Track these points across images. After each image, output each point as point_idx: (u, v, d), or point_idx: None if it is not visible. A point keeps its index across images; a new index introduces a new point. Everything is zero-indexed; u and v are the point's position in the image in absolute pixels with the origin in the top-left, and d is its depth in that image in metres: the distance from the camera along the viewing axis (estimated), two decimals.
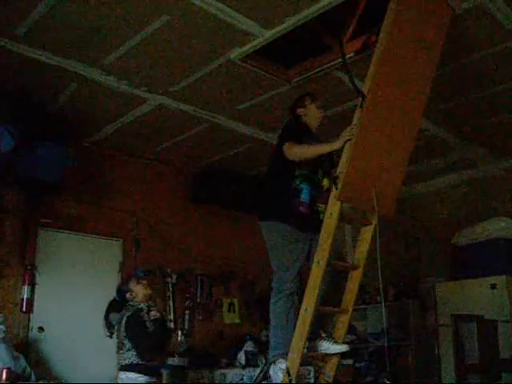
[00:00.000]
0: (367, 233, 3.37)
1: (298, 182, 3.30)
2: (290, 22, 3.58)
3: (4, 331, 4.35)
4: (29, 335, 4.84)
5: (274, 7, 3.43)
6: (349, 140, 3.07)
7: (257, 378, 4.96)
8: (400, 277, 6.50)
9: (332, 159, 3.43)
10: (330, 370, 3.30)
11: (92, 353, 4.98)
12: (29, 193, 4.99)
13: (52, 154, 4.73)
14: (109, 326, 3.75)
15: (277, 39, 3.75)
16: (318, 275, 3.04)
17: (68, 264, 5.23)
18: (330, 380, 3.28)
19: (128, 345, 3.59)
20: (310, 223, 3.27)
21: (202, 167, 6.25)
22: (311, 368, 5.09)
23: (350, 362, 6.06)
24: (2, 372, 3.90)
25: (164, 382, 5.10)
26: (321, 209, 3.27)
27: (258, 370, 5.16)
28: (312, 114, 3.54)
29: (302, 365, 3.08)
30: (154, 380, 3.67)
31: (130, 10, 3.45)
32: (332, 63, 4.05)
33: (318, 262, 3.06)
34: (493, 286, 5.46)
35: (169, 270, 5.90)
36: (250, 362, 5.56)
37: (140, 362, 3.58)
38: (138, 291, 3.80)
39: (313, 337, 3.23)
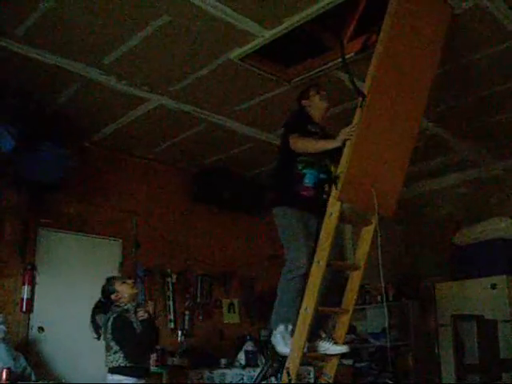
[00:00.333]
0: (367, 233, 3.37)
1: (300, 168, 3.39)
2: (289, 22, 3.58)
3: (4, 331, 4.35)
4: (29, 335, 4.84)
5: (274, 7, 3.43)
6: (348, 139, 3.08)
7: (257, 378, 4.96)
8: (400, 277, 6.50)
9: (339, 148, 3.42)
10: (329, 370, 3.30)
11: (92, 353, 4.98)
12: (29, 193, 4.98)
13: (52, 154, 4.72)
14: (96, 327, 3.67)
15: (277, 39, 3.75)
16: (318, 275, 3.04)
17: (68, 264, 5.22)
18: (330, 380, 3.27)
19: (115, 347, 3.51)
20: (317, 206, 3.29)
21: (202, 167, 6.25)
22: (311, 368, 5.09)
23: (350, 362, 6.07)
24: (2, 372, 3.91)
25: (164, 382, 5.12)
26: (326, 189, 3.31)
27: (257, 370, 5.15)
28: (315, 105, 3.63)
29: (301, 365, 3.09)
30: (142, 382, 3.58)
31: (130, 9, 3.45)
32: (332, 63, 4.05)
33: (318, 262, 3.06)
34: (493, 286, 5.46)
35: (169, 270, 5.91)
36: (250, 362, 5.56)
37: (128, 365, 3.50)
38: (124, 291, 3.70)
39: (313, 337, 3.23)
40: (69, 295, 5.13)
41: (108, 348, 3.57)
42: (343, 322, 3.33)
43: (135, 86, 4.46)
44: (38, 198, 5.05)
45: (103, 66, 4.13)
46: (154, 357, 5.17)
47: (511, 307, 5.33)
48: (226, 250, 6.45)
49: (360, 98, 3.13)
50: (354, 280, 3.35)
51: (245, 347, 5.78)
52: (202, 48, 3.90)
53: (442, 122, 5.22)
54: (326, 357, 3.29)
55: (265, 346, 5.52)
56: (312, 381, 5.07)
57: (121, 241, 5.65)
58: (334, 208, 3.11)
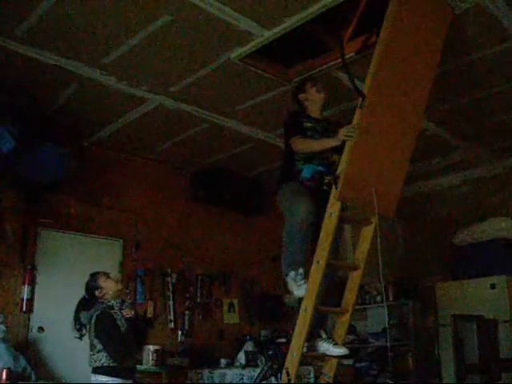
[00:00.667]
0: (367, 233, 3.37)
1: (299, 165, 3.46)
2: (289, 22, 3.58)
3: (4, 331, 4.35)
4: (29, 335, 4.85)
5: (274, 7, 3.43)
6: (348, 139, 3.08)
7: (257, 378, 4.96)
8: (400, 277, 6.49)
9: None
10: (329, 370, 3.30)
11: None
12: (29, 193, 4.98)
13: (52, 154, 4.72)
14: (79, 326, 3.53)
15: (277, 39, 3.75)
16: (318, 275, 3.04)
17: (68, 264, 5.22)
18: (330, 380, 3.27)
19: (99, 346, 3.37)
20: (318, 195, 3.33)
21: (202, 167, 6.25)
22: (311, 368, 5.09)
23: (350, 362, 6.07)
24: (2, 372, 3.91)
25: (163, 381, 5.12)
26: (327, 180, 3.36)
27: (258, 370, 5.16)
28: (313, 98, 3.67)
29: (301, 365, 3.09)
30: (128, 383, 3.43)
31: (130, 9, 3.45)
32: (332, 63, 4.05)
33: (318, 262, 3.06)
34: (493, 286, 5.46)
35: (169, 270, 5.91)
36: (250, 362, 5.56)
37: (112, 364, 3.35)
38: (108, 288, 3.55)
39: (313, 336, 3.23)
40: (69, 295, 5.09)
41: (92, 347, 3.42)
42: (343, 322, 3.33)
43: (135, 86, 4.46)
44: (38, 197, 5.06)
45: (103, 65, 4.13)
46: (154, 357, 5.19)
47: (511, 307, 5.33)
48: (226, 250, 6.45)
49: (360, 98, 3.13)
50: (354, 280, 3.35)
51: (245, 347, 5.78)
52: (202, 48, 3.90)
53: (442, 121, 5.22)
54: (326, 357, 3.29)
55: (265, 346, 5.52)
56: (312, 381, 5.08)
57: (121, 241, 5.66)
58: (334, 208, 3.11)
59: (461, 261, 5.95)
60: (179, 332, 5.78)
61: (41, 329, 4.90)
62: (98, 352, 3.39)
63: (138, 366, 4.86)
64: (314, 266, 3.07)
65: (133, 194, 5.83)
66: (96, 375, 3.40)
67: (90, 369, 3.45)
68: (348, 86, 4.08)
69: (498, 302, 5.37)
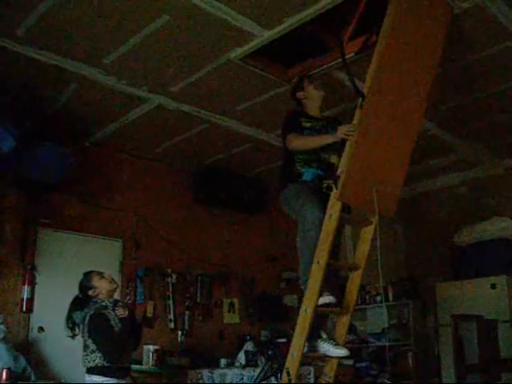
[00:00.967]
0: (367, 233, 3.37)
1: (299, 167, 3.45)
2: (289, 22, 3.58)
3: (4, 331, 4.35)
4: (29, 335, 4.84)
5: (274, 7, 3.43)
6: (347, 138, 3.07)
7: (257, 378, 4.96)
8: (400, 277, 6.50)
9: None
10: (329, 370, 3.29)
11: None
12: (29, 193, 4.98)
13: (52, 153, 4.72)
14: (72, 326, 3.50)
15: (277, 39, 3.75)
16: (318, 275, 3.04)
17: (68, 264, 5.22)
18: (330, 380, 3.27)
19: (92, 346, 3.34)
20: (319, 197, 3.31)
21: (202, 167, 6.24)
22: (311, 368, 5.09)
23: (350, 362, 6.06)
24: (2, 372, 3.91)
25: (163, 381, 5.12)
26: (327, 184, 3.33)
27: (257, 370, 5.16)
28: (311, 96, 3.65)
29: (302, 365, 3.08)
30: (123, 382, 3.40)
31: (130, 10, 3.45)
32: (332, 63, 4.05)
33: (318, 262, 3.06)
34: (493, 286, 5.46)
35: (169, 270, 5.91)
36: (250, 362, 5.56)
37: (106, 364, 3.32)
38: (102, 287, 3.52)
39: (313, 337, 3.22)
40: (69, 295, 5.09)
41: (85, 347, 3.39)
42: (343, 322, 3.33)
43: (135, 86, 4.46)
44: (38, 197, 5.06)
45: (103, 65, 4.13)
46: (154, 357, 5.19)
47: (511, 307, 5.33)
48: (225, 250, 6.45)
49: (360, 98, 3.13)
50: (354, 280, 3.35)
51: (245, 347, 5.78)
52: (202, 48, 3.90)
53: (442, 122, 5.22)
54: (326, 357, 3.29)
55: (265, 346, 5.52)
56: (312, 381, 5.08)
57: (121, 241, 5.66)
58: (334, 209, 3.11)
59: (461, 261, 5.96)
60: (179, 332, 5.78)
61: (41, 329, 4.90)
62: (91, 352, 3.36)
63: (137, 366, 4.90)
64: (314, 266, 3.07)
65: (133, 194, 5.83)
66: (90, 375, 3.37)
67: (85, 369, 3.43)
68: (348, 85, 4.09)
69: (498, 302, 5.38)
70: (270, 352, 5.08)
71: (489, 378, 4.66)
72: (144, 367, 5.13)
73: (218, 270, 6.31)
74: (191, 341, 5.84)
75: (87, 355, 3.39)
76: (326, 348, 3.22)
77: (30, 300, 4.87)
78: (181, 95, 4.62)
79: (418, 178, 6.53)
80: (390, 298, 6.41)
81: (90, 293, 3.54)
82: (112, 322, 3.41)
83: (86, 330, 3.40)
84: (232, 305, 6.39)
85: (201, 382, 5.20)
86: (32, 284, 4.91)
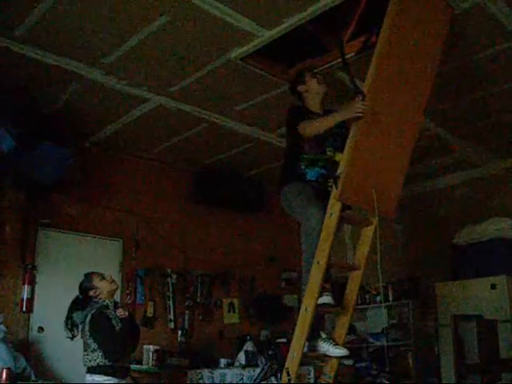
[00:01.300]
0: (368, 233, 3.37)
1: (303, 167, 3.39)
2: (289, 22, 3.58)
3: (4, 331, 4.35)
4: (29, 335, 4.85)
5: (274, 7, 3.43)
6: (359, 115, 3.05)
7: (257, 378, 4.96)
8: (400, 277, 6.49)
9: (343, 134, 3.37)
10: (329, 370, 3.29)
11: None
12: (29, 193, 4.98)
13: (52, 154, 4.72)
14: (71, 326, 3.53)
15: (277, 39, 3.75)
16: (318, 275, 3.04)
17: (68, 264, 5.22)
18: (330, 380, 3.27)
19: (93, 345, 3.37)
20: (323, 196, 3.29)
21: (202, 167, 6.25)
22: (311, 368, 5.09)
23: (350, 362, 6.07)
24: (2, 372, 3.91)
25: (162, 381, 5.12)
26: (331, 183, 3.26)
27: (257, 370, 5.16)
28: (313, 90, 3.54)
29: (301, 365, 3.08)
30: (123, 382, 3.44)
31: (130, 10, 3.45)
32: (332, 63, 4.04)
33: (318, 262, 3.06)
34: (493, 286, 5.45)
35: (169, 270, 5.91)
36: (250, 362, 5.56)
37: (107, 363, 3.36)
38: (103, 287, 3.57)
39: (313, 336, 3.22)
40: (69, 295, 5.10)
41: (86, 346, 3.42)
42: (343, 323, 3.32)
43: (135, 86, 4.46)
44: (37, 197, 5.06)
45: (103, 65, 4.12)
46: (153, 357, 5.19)
47: (511, 307, 5.33)
48: (226, 250, 6.45)
49: (360, 98, 3.13)
50: (354, 280, 3.35)
51: (245, 347, 5.78)
52: (202, 48, 3.90)
53: (443, 122, 5.22)
54: (326, 357, 3.29)
55: (265, 346, 5.52)
56: (312, 381, 5.08)
57: (121, 241, 5.66)
58: (334, 208, 3.11)
59: (461, 261, 5.95)
60: (179, 332, 5.78)
61: (41, 329, 4.90)
62: (92, 351, 3.39)
63: (137, 366, 4.90)
64: (314, 266, 3.07)
65: (133, 194, 5.83)
66: (91, 375, 3.39)
67: (85, 368, 3.45)
68: (348, 85, 4.09)
69: (498, 302, 5.37)
70: (270, 352, 5.08)
71: (489, 378, 4.66)
72: (144, 367, 5.13)
73: (217, 270, 6.31)
74: (191, 341, 5.84)
75: (88, 354, 3.41)
76: (326, 348, 3.22)
77: (30, 300, 4.87)
78: (181, 95, 4.62)
79: (418, 178, 6.53)
80: (390, 298, 6.42)
81: (92, 293, 3.57)
82: (113, 322, 3.45)
83: (87, 328, 3.42)
84: (232, 305, 6.39)
85: (201, 382, 5.20)
86: (32, 284, 4.91)
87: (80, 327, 3.51)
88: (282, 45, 3.84)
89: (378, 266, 3.18)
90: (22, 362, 4.35)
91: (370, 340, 6.52)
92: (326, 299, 3.14)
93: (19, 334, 4.78)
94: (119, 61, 4.05)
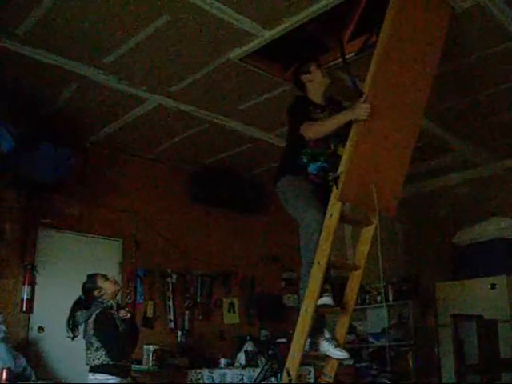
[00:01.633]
0: (368, 233, 3.37)
1: (305, 160, 3.38)
2: (290, 22, 3.58)
3: (4, 331, 4.35)
4: (29, 335, 4.84)
5: (274, 7, 3.43)
6: (364, 118, 3.05)
7: (257, 378, 4.96)
8: (400, 277, 6.49)
9: (346, 125, 3.34)
10: (330, 370, 3.29)
11: None
12: (29, 193, 4.98)
13: (52, 154, 4.72)
14: (73, 326, 3.57)
15: (277, 39, 3.74)
16: (318, 275, 3.04)
17: (68, 264, 5.22)
18: (330, 380, 3.27)
19: (96, 344, 3.42)
20: (324, 189, 3.29)
21: (202, 167, 6.25)
22: (311, 368, 5.09)
23: (350, 362, 6.07)
24: (2, 372, 3.91)
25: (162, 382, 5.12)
26: (331, 177, 3.25)
27: (257, 370, 5.16)
28: (317, 80, 3.54)
29: (302, 365, 3.08)
30: (125, 381, 3.49)
31: (130, 10, 3.45)
32: (332, 63, 4.04)
33: (319, 263, 3.06)
34: (493, 286, 5.46)
35: (169, 270, 5.91)
36: (250, 362, 5.56)
37: (110, 362, 3.41)
38: (107, 288, 3.64)
39: (316, 334, 3.21)
40: (69, 295, 5.10)
41: (89, 345, 3.47)
42: (343, 323, 3.32)
43: (135, 86, 4.46)
44: (38, 198, 5.05)
45: (103, 65, 4.12)
46: (154, 357, 5.19)
47: (511, 307, 5.33)
48: (226, 250, 6.45)
49: (360, 98, 3.13)
50: (354, 280, 3.35)
51: (245, 347, 5.78)
52: (202, 48, 3.90)
53: (442, 122, 5.22)
54: (326, 357, 3.29)
55: (265, 346, 5.52)
56: (312, 381, 5.08)
57: (121, 241, 5.66)
58: (334, 208, 3.11)
59: (461, 261, 5.96)
60: (179, 332, 5.78)
61: (41, 329, 4.90)
62: (95, 350, 3.43)
63: (137, 366, 4.90)
64: (314, 267, 3.07)
65: (133, 194, 5.83)
66: (94, 374, 3.43)
67: (87, 367, 3.47)
68: (348, 85, 4.09)
69: (498, 301, 5.37)
70: (270, 352, 5.09)
71: (489, 378, 4.66)
72: (144, 367, 5.13)
73: (217, 270, 6.31)
74: (191, 341, 5.84)
75: (91, 353, 3.45)
76: (327, 348, 3.22)
77: (30, 300, 4.87)
78: (181, 95, 4.62)
79: (418, 178, 6.53)
80: (390, 298, 6.41)
81: (96, 293, 3.63)
82: (117, 322, 3.52)
83: (90, 327, 3.47)
84: (232, 305, 6.39)
85: (201, 382, 5.20)
86: (32, 284, 4.91)
87: (82, 326, 3.54)
88: (282, 45, 3.84)
89: (380, 266, 3.18)
90: (22, 362, 4.35)
91: (370, 340, 6.52)
92: (326, 300, 3.14)
93: (19, 334, 4.78)
94: (119, 61, 4.05)
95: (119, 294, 3.92)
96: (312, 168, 3.39)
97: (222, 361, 5.59)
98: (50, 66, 4.06)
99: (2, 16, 3.49)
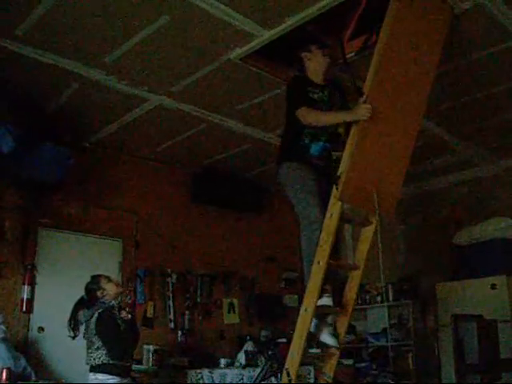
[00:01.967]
0: (368, 233, 3.37)
1: (307, 141, 3.35)
2: (289, 22, 3.58)
3: (4, 331, 4.35)
4: (29, 335, 4.84)
5: (274, 7, 3.43)
6: (364, 118, 3.05)
7: (257, 378, 4.96)
8: (400, 277, 6.49)
9: (345, 108, 3.36)
10: (329, 369, 3.29)
11: None
12: (29, 193, 4.98)
13: (52, 154, 4.72)
14: (74, 325, 3.63)
15: (277, 39, 3.74)
16: (318, 275, 3.04)
17: (68, 264, 5.22)
18: (330, 380, 3.27)
19: (97, 343, 3.48)
20: (326, 172, 3.28)
21: (202, 167, 6.25)
22: (311, 368, 5.09)
23: (350, 362, 6.07)
24: (2, 372, 3.91)
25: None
26: (335, 157, 3.27)
27: (257, 370, 5.16)
28: (317, 60, 3.52)
29: (302, 364, 3.08)
30: (125, 381, 3.53)
31: (130, 10, 3.45)
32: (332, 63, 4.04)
33: (319, 263, 3.06)
34: (493, 286, 5.46)
35: (169, 270, 5.91)
36: (250, 362, 5.56)
37: (110, 362, 3.45)
38: (110, 289, 3.72)
39: (321, 318, 3.20)
40: (69, 295, 5.10)
41: (90, 344, 3.52)
42: (342, 322, 3.32)
43: (135, 86, 4.46)
44: (38, 197, 5.05)
45: (103, 65, 4.12)
46: (154, 357, 5.19)
47: (511, 307, 5.33)
48: (225, 250, 6.44)
49: (361, 98, 3.13)
50: (354, 280, 3.35)
51: (245, 347, 5.78)
52: (202, 48, 3.90)
53: (442, 122, 5.22)
54: (326, 356, 3.29)
55: (265, 346, 5.52)
56: (312, 381, 5.07)
57: (121, 241, 5.66)
58: (334, 208, 3.11)
59: (461, 261, 5.96)
60: (179, 332, 5.78)
61: (41, 329, 4.90)
62: (96, 349, 3.47)
63: (137, 366, 4.91)
64: (314, 267, 3.07)
65: (133, 194, 5.83)
66: (95, 374, 3.46)
67: (88, 367, 3.50)
68: (349, 85, 4.08)
69: (498, 301, 5.37)
70: (269, 352, 5.08)
71: (489, 378, 4.66)
72: (144, 367, 5.13)
73: (217, 270, 6.31)
74: (191, 341, 5.84)
75: (92, 352, 3.49)
76: (323, 332, 3.21)
77: (30, 300, 4.87)
78: (181, 95, 4.62)
79: (418, 178, 6.53)
80: (390, 298, 6.41)
81: (99, 294, 3.69)
82: (118, 321, 3.57)
83: (92, 327, 3.51)
84: (232, 305, 6.39)
85: (201, 382, 5.20)
86: (32, 284, 4.91)
87: (84, 326, 3.57)
88: (282, 45, 3.84)
89: (380, 266, 3.19)
90: (22, 362, 4.35)
91: (370, 340, 6.52)
92: (326, 301, 3.14)
93: (19, 334, 4.77)
94: (119, 61, 4.05)
95: (120, 296, 3.95)
96: (314, 150, 3.35)
97: (222, 361, 5.59)
98: (50, 66, 4.06)
99: (2, 16, 3.49)
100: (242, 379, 5.32)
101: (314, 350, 3.27)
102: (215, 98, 4.71)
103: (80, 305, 3.69)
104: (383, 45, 3.15)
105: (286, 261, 6.76)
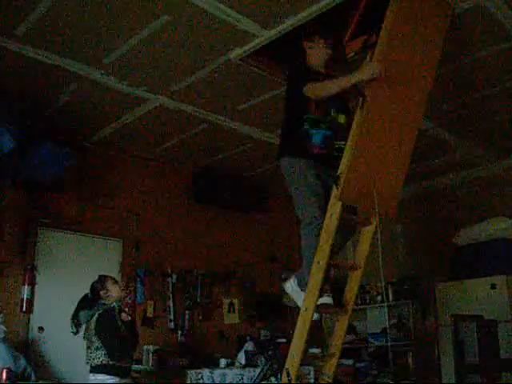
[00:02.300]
0: (367, 233, 3.37)
1: (307, 127, 3.27)
2: (290, 22, 3.58)
3: (4, 331, 4.35)
4: (29, 335, 4.84)
5: (274, 7, 3.43)
6: (374, 76, 3.01)
7: (257, 378, 4.96)
8: (400, 277, 6.49)
9: (343, 95, 3.30)
10: (329, 369, 3.29)
11: None
12: (29, 193, 4.98)
13: (52, 154, 4.72)
14: (76, 323, 3.68)
15: (277, 39, 3.75)
16: (318, 275, 3.04)
17: (68, 264, 5.23)
18: (330, 380, 3.27)
19: (97, 343, 3.51)
20: (327, 161, 3.25)
21: (203, 167, 6.25)
22: (311, 368, 5.09)
23: (350, 362, 6.07)
24: (2, 372, 3.92)
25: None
26: (338, 146, 3.22)
27: (257, 370, 5.16)
28: (319, 50, 3.46)
29: (301, 365, 3.08)
30: (124, 381, 3.56)
31: (130, 9, 3.45)
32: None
33: (318, 263, 3.06)
34: (493, 286, 5.46)
35: (169, 270, 5.91)
36: (250, 362, 5.55)
37: (110, 362, 3.49)
38: (114, 291, 3.79)
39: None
40: (69, 295, 5.11)
41: (90, 344, 3.56)
42: (342, 322, 3.32)
43: (135, 86, 4.46)
44: (38, 197, 5.06)
45: (103, 65, 4.13)
46: (153, 356, 5.19)
47: (511, 307, 5.33)
48: (226, 250, 6.45)
49: (361, 98, 3.13)
50: (354, 280, 3.34)
51: (245, 347, 5.77)
52: (202, 48, 3.90)
53: (442, 122, 5.22)
54: (326, 356, 3.29)
55: (265, 346, 5.52)
56: (312, 381, 5.07)
57: (121, 241, 5.66)
58: (334, 208, 3.11)
59: (461, 261, 5.95)
60: (179, 332, 5.78)
61: (41, 329, 4.90)
62: (96, 349, 3.50)
63: (137, 365, 4.91)
64: (314, 266, 3.07)
65: (133, 193, 5.83)
66: (95, 374, 3.50)
67: (88, 367, 3.51)
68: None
69: (498, 301, 5.37)
70: (269, 352, 5.09)
71: (489, 378, 4.66)
72: (144, 367, 5.13)
73: (218, 269, 6.31)
74: (191, 341, 5.84)
75: (91, 353, 3.52)
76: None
77: (30, 300, 4.87)
78: (181, 95, 4.62)
79: (418, 178, 6.53)
80: (390, 298, 6.41)
81: (102, 293, 3.74)
82: (118, 323, 3.61)
83: (92, 327, 3.55)
84: (232, 305, 6.39)
85: (201, 382, 5.20)
86: (32, 284, 4.91)
87: (84, 326, 3.59)
88: (282, 45, 3.84)
89: (380, 266, 3.18)
90: (22, 362, 4.35)
91: (370, 340, 6.52)
92: (326, 299, 3.13)
93: (19, 334, 4.77)
94: (119, 61, 4.05)
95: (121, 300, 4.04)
96: (317, 137, 3.28)
97: (222, 361, 5.59)
98: (49, 65, 4.06)
99: (2, 16, 3.49)
100: (242, 379, 5.32)
101: (314, 350, 3.27)
102: (215, 98, 4.71)
103: (84, 302, 3.74)
104: (383, 45, 3.15)
105: (286, 261, 6.76)
